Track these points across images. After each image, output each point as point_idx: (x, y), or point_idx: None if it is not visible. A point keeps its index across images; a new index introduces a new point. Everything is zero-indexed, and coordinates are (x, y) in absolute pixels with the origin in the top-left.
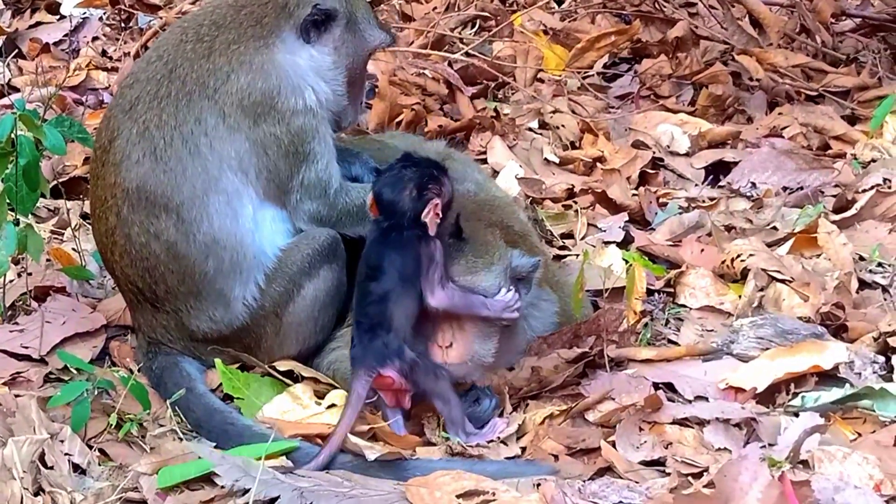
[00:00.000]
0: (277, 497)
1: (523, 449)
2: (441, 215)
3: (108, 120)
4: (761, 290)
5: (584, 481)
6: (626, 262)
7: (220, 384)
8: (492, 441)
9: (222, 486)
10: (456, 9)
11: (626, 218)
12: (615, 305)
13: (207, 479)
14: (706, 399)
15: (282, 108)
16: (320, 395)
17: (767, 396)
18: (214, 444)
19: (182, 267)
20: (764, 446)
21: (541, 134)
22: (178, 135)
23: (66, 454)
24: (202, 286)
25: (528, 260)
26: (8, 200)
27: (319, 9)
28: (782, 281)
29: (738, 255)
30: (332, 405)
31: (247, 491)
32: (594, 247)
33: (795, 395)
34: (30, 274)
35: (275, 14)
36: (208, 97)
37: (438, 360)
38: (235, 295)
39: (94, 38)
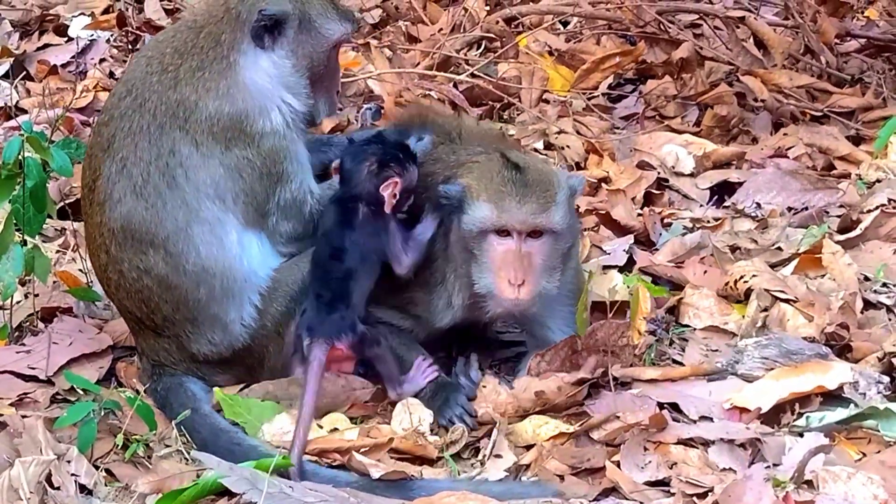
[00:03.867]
0: None
1: (527, 466)
2: (397, 196)
3: (89, 159)
4: (765, 310)
5: (588, 502)
6: (627, 285)
7: None
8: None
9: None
10: (462, 30)
11: (632, 240)
12: (613, 320)
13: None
14: (711, 419)
15: (251, 132)
16: (318, 416)
17: (772, 416)
18: None
19: (175, 297)
20: (769, 466)
21: (546, 154)
22: (155, 169)
23: (72, 475)
24: (197, 313)
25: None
26: (15, 222)
27: (265, 14)
28: (787, 301)
29: (742, 276)
30: (335, 429)
31: None
32: (592, 272)
33: (800, 415)
34: (36, 295)
35: (230, 28)
36: (179, 127)
37: (511, 297)
38: (231, 318)
39: (102, 60)
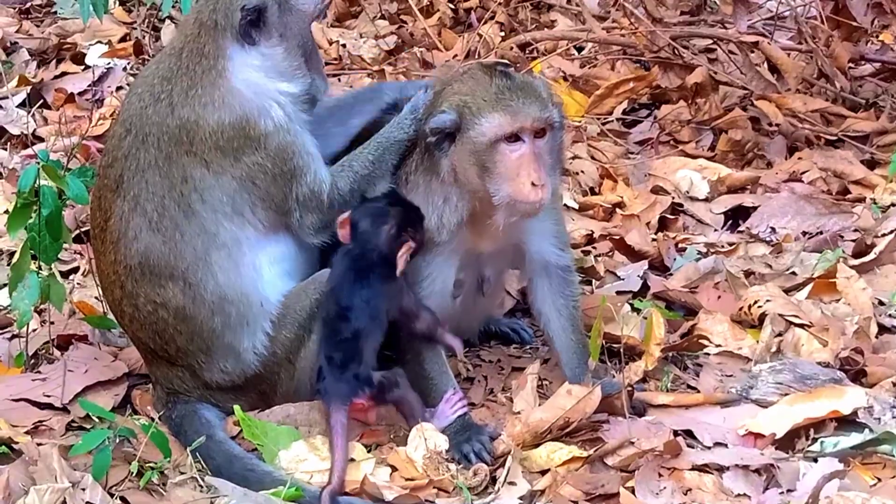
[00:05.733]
0: None
1: (541, 492)
2: (409, 259)
3: (98, 200)
4: (779, 335)
5: None
6: (638, 310)
7: (240, 431)
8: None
9: None
10: (476, 56)
11: (646, 265)
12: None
13: None
14: (725, 445)
15: (254, 135)
16: None
17: (787, 442)
18: None
19: (191, 327)
20: (783, 492)
21: (562, 181)
22: (170, 201)
23: (87, 502)
24: (211, 342)
25: None
26: (31, 250)
27: (248, 9)
28: (801, 326)
29: (756, 301)
30: (351, 459)
31: None
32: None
33: (815, 440)
34: (52, 323)
35: (211, 38)
36: (186, 152)
37: (535, 199)
38: (245, 346)
39: (119, 88)
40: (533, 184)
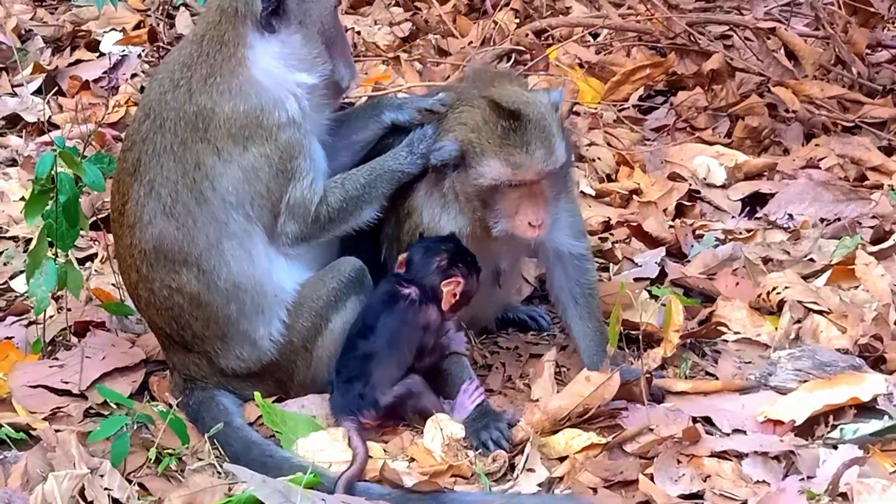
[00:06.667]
0: None
1: (560, 479)
2: (457, 297)
3: (117, 184)
4: (798, 322)
5: None
6: (655, 297)
7: (258, 418)
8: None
9: None
10: (491, 43)
11: (663, 252)
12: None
13: None
14: (744, 432)
15: (267, 125)
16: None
17: (806, 429)
18: None
19: (206, 314)
20: (803, 479)
21: (577, 167)
22: (183, 186)
23: (105, 489)
24: (226, 329)
25: None
26: (48, 237)
27: None
28: (820, 312)
29: (774, 288)
30: (370, 456)
31: None
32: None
33: (834, 427)
34: (69, 310)
35: (231, 25)
36: (201, 139)
37: (531, 235)
38: (260, 334)
39: (133, 75)
40: (530, 224)
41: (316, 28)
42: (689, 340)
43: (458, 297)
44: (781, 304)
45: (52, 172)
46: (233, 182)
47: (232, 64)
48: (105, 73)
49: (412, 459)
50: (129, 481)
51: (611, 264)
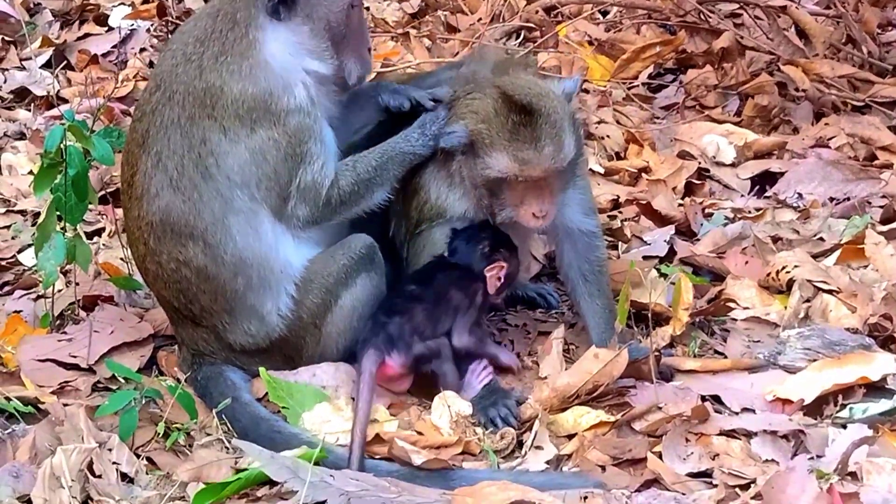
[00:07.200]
0: (324, 501)
1: (568, 457)
2: (501, 280)
3: (126, 154)
4: (807, 301)
5: (630, 493)
6: (664, 275)
7: (266, 393)
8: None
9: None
10: (501, 20)
11: (673, 230)
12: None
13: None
14: (753, 411)
15: (275, 110)
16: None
17: (815, 408)
18: None
19: (213, 287)
20: (812, 458)
21: (586, 144)
22: (189, 161)
23: (114, 463)
24: (234, 303)
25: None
26: (57, 210)
27: None
28: (829, 292)
29: (784, 267)
30: (374, 420)
31: (293, 493)
32: (633, 262)
33: (843, 406)
34: (77, 284)
35: (244, 6)
36: (208, 115)
37: (536, 225)
38: (268, 309)
39: (142, 50)
40: (534, 214)
41: (322, 24)
42: (698, 319)
43: (502, 281)
44: (791, 283)
45: (62, 146)
46: (238, 162)
47: (243, 45)
48: (114, 47)
49: (420, 434)
50: (138, 455)
51: (619, 242)
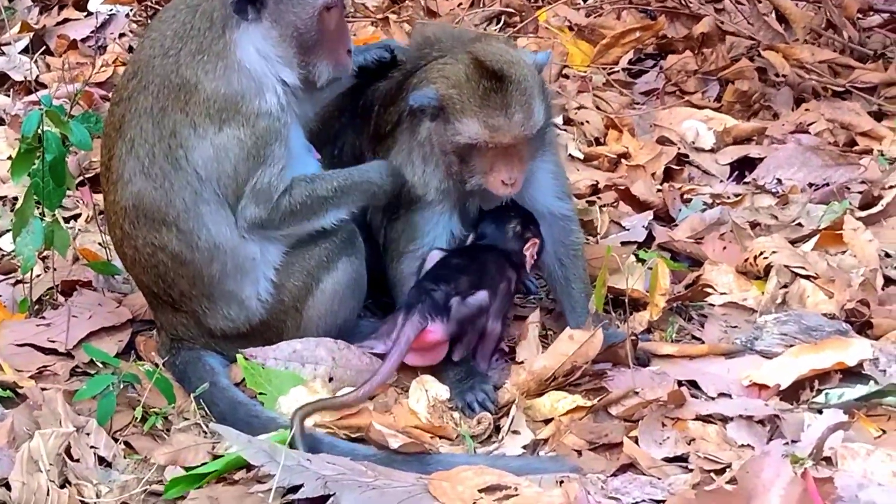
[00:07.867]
0: (301, 485)
1: (544, 441)
2: (536, 257)
3: (105, 138)
4: (785, 286)
5: (606, 477)
6: (642, 260)
7: (244, 378)
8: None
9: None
10: (481, 5)
11: (651, 216)
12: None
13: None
14: (729, 396)
15: (246, 112)
16: (335, 391)
17: (791, 393)
18: None
19: (191, 272)
20: (787, 443)
21: (565, 130)
22: (159, 150)
23: (91, 447)
24: (212, 288)
25: None
26: (35, 195)
27: None
28: (807, 277)
29: (762, 252)
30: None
31: (270, 477)
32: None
33: (819, 391)
34: (56, 269)
35: (220, 4)
36: (180, 109)
37: (504, 192)
38: (247, 294)
39: (121, 35)
40: (503, 182)
41: (290, 31)
42: (675, 304)
43: (536, 258)
44: (768, 268)
45: (39, 131)
46: (203, 157)
47: (220, 45)
48: (93, 32)
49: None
50: (115, 440)
51: (597, 230)
